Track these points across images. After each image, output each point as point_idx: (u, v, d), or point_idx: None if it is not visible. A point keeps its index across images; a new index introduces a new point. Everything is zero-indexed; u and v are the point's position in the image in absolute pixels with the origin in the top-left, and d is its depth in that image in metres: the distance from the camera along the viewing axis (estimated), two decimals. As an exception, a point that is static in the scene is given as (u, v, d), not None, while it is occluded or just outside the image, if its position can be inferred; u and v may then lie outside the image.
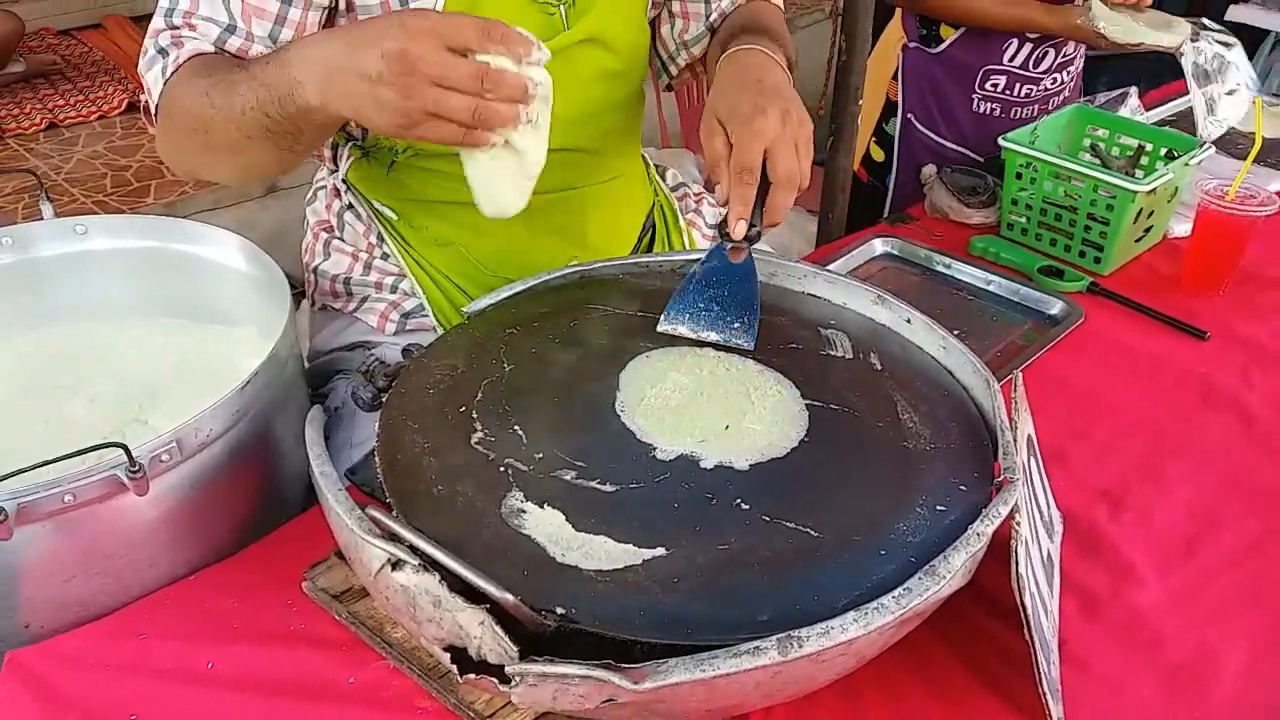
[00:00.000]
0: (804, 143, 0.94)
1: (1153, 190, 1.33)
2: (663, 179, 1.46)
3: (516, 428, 0.82)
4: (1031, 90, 1.80)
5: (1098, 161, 1.47)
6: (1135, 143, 1.48)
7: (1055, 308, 1.30)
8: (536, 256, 1.23)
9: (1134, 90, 1.68)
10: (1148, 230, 1.41)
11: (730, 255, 0.97)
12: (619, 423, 0.83)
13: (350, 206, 1.27)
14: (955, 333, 1.24)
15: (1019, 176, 1.42)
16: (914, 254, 1.42)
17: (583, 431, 0.82)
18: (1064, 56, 1.78)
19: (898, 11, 1.87)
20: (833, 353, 0.94)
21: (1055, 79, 1.81)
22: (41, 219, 1.18)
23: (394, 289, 1.25)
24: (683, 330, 0.96)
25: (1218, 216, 1.30)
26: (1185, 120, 1.87)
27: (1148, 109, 1.78)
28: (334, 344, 1.27)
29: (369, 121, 0.82)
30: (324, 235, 1.30)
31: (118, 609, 0.85)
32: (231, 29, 1.00)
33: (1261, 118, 1.37)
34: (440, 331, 1.22)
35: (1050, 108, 1.82)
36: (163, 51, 0.97)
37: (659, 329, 0.96)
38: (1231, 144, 1.69)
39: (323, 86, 0.82)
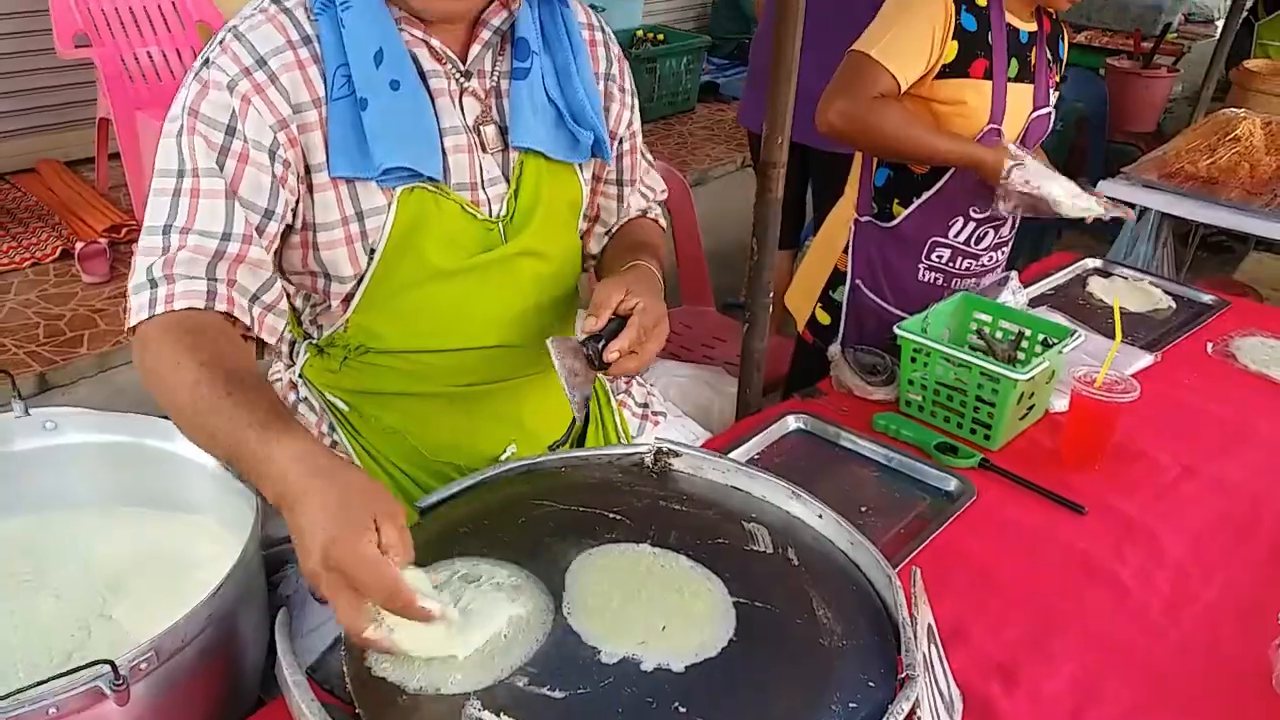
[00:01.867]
0: (657, 338, 1.22)
1: (1031, 377, 1.49)
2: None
3: (474, 632, 0.91)
4: (971, 265, 1.99)
5: (984, 344, 1.64)
6: (1016, 327, 1.66)
7: (951, 484, 1.44)
8: (477, 442, 1.34)
9: (1014, 274, 1.88)
10: (1030, 409, 1.58)
11: None
12: (567, 625, 0.92)
13: (304, 399, 1.36)
14: (863, 509, 1.37)
15: (914, 360, 1.58)
16: (824, 430, 1.56)
17: (533, 635, 0.91)
18: (999, 238, 1.99)
19: (847, 192, 2.05)
20: (755, 547, 1.06)
21: (990, 257, 2.00)
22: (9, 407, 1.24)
23: None
24: None
25: (1089, 401, 1.47)
26: (1060, 294, 2.09)
27: (1026, 285, 1.98)
28: (284, 531, 1.34)
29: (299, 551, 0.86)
30: None
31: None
32: (228, 237, 1.08)
33: (1120, 317, 1.56)
34: None
35: (983, 280, 2.02)
36: (153, 282, 1.04)
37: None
38: (1103, 322, 1.89)
39: (281, 500, 0.88)
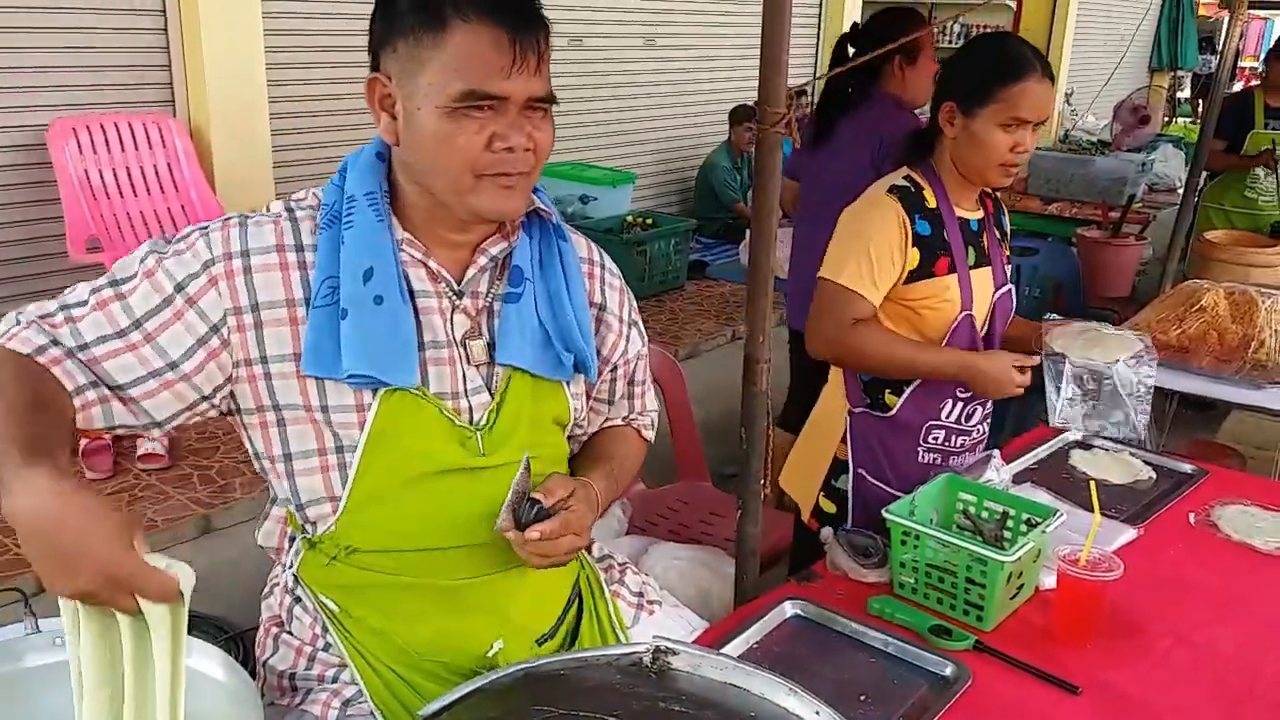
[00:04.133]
0: (582, 533, 1.30)
1: (1018, 558, 1.54)
2: (588, 551, 1.62)
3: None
4: (964, 440, 2.07)
5: (970, 525, 1.69)
6: (1000, 507, 1.71)
7: (947, 669, 1.46)
8: (464, 640, 1.36)
9: (996, 452, 1.94)
10: (1020, 588, 1.61)
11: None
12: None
13: (299, 600, 1.39)
14: (862, 698, 1.38)
15: (904, 543, 1.62)
16: (820, 616, 1.59)
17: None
18: (986, 409, 2.08)
19: (834, 382, 2.13)
20: (754, 748, 1.08)
21: (980, 429, 2.09)
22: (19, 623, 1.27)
23: (335, 679, 1.36)
24: None
25: (1075, 580, 1.51)
26: (1044, 468, 2.15)
27: (1008, 461, 2.04)
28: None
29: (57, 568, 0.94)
30: (274, 630, 1.42)
31: None
32: (102, 342, 1.19)
33: (1097, 496, 1.61)
34: (378, 715, 1.33)
35: (976, 451, 2.09)
36: (16, 321, 1.18)
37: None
38: (1087, 496, 1.93)
39: (13, 514, 0.95)
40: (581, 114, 6.61)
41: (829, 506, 2.14)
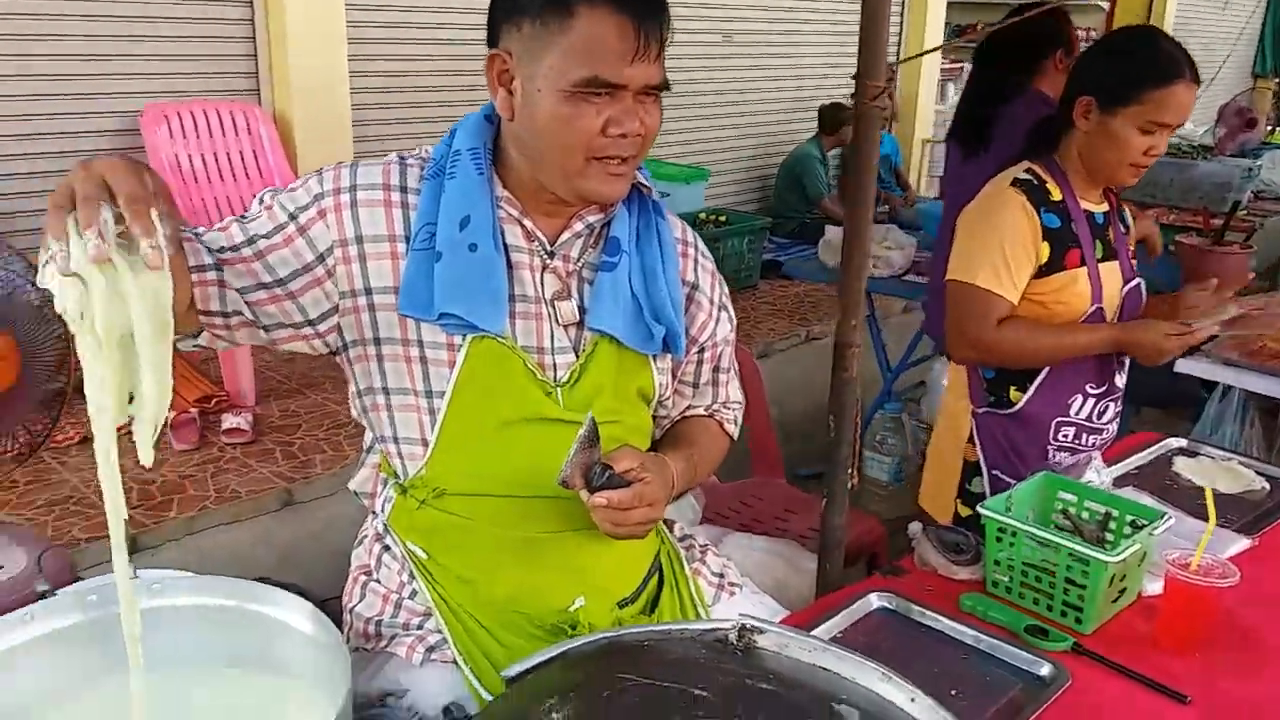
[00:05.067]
0: (651, 515, 1.27)
1: (1123, 559, 1.46)
2: (670, 529, 1.60)
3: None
4: (1096, 439, 2.00)
5: (1070, 525, 1.61)
6: (1103, 508, 1.63)
7: (1044, 669, 1.39)
8: (546, 593, 1.37)
9: (1097, 454, 1.86)
10: (1122, 592, 1.54)
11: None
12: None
13: (388, 548, 1.42)
14: (953, 693, 1.33)
15: (999, 540, 1.56)
16: (909, 610, 1.53)
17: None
18: (1118, 407, 2.02)
19: (954, 382, 2.08)
20: (845, 729, 1.03)
21: (1111, 429, 2.03)
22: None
23: (419, 626, 1.37)
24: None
25: (1185, 586, 1.43)
26: (1145, 474, 2.05)
27: (1109, 464, 1.95)
28: (365, 690, 1.35)
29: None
30: (362, 578, 1.44)
31: None
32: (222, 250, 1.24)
33: (1213, 501, 1.53)
34: (461, 663, 1.34)
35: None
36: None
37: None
38: (1192, 503, 1.85)
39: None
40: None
41: (966, 512, 2.07)
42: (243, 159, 4.50)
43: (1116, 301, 1.95)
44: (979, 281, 1.84)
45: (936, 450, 2.17)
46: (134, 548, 2.97)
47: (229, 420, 3.69)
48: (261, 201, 1.29)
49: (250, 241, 1.24)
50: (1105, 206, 1.96)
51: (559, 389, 1.32)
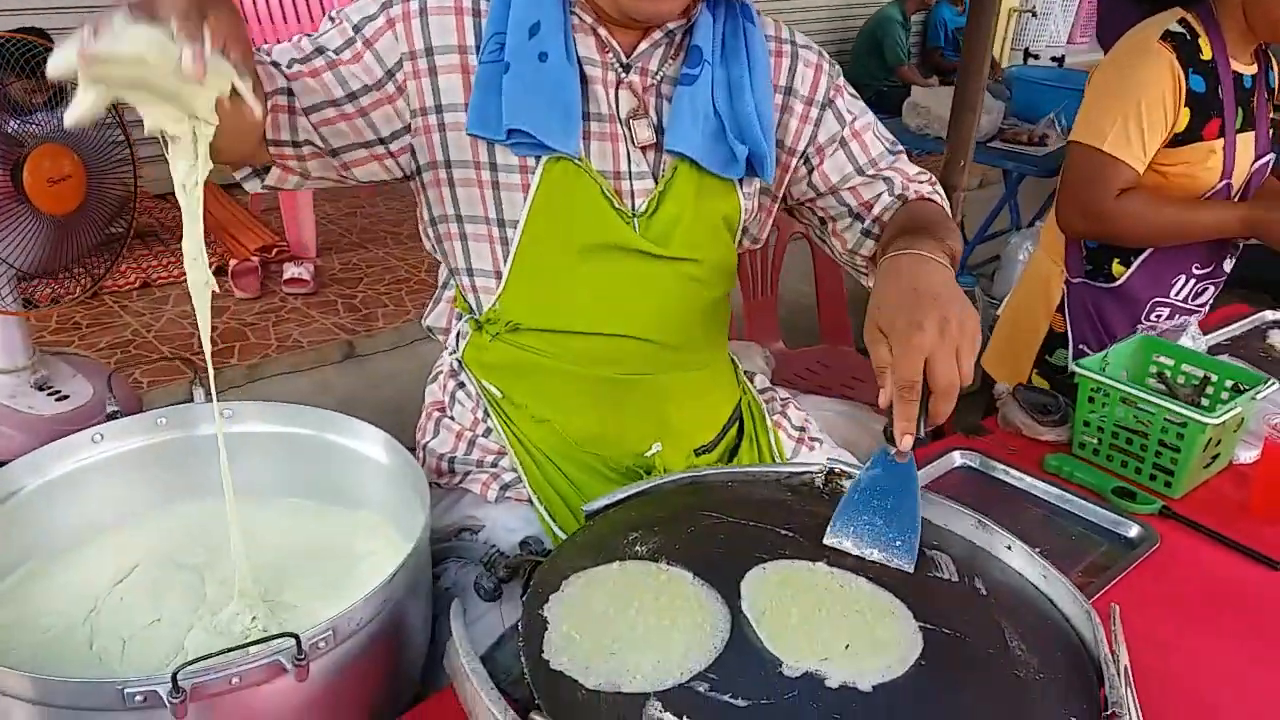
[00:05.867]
0: (965, 345, 0.98)
1: (1223, 421, 1.40)
2: (751, 381, 1.56)
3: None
4: (1188, 321, 1.90)
5: (1164, 388, 1.55)
6: (1200, 372, 1.56)
7: (1132, 530, 1.35)
8: (622, 435, 1.33)
9: (1193, 320, 1.78)
10: (1215, 458, 1.48)
11: (897, 458, 1.03)
12: (745, 635, 0.89)
13: (462, 385, 1.39)
14: (1038, 550, 1.30)
15: (1091, 400, 1.50)
16: (992, 468, 1.49)
17: (712, 641, 0.88)
18: (1217, 288, 1.90)
19: (1046, 247, 1.96)
20: (939, 575, 1.00)
21: (1203, 311, 1.91)
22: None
23: (494, 465, 1.35)
24: (847, 545, 1.02)
25: (1285, 451, 1.37)
26: (1239, 344, 1.97)
27: (1205, 333, 1.87)
28: (441, 524, 1.35)
29: None
30: (436, 414, 1.42)
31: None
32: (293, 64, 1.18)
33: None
34: (536, 501, 1.31)
35: None
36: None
37: (825, 541, 1.02)
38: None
39: None
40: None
41: (1043, 384, 2.00)
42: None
43: (1245, 177, 1.81)
44: (1105, 146, 1.70)
45: (1015, 313, 2.08)
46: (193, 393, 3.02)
47: (290, 270, 3.69)
48: (332, 19, 1.22)
49: (320, 51, 1.18)
50: (1254, 68, 1.79)
51: (636, 220, 1.24)
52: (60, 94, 1.93)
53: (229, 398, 3.30)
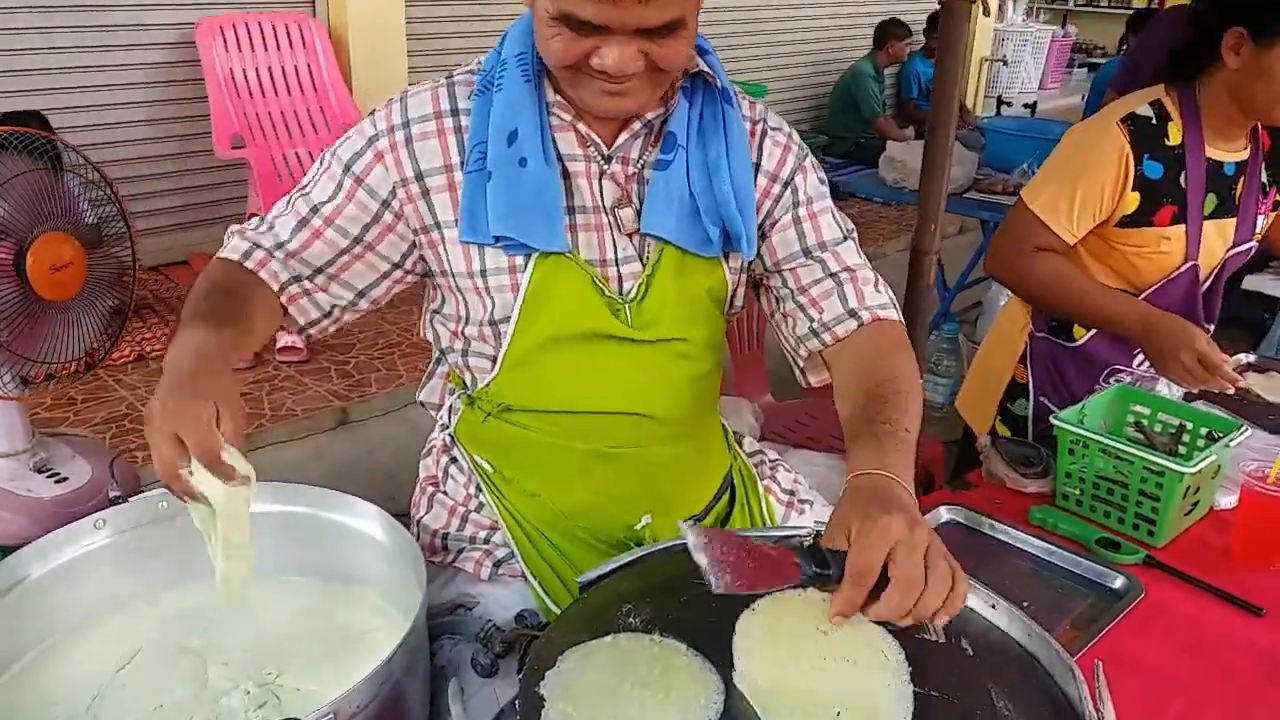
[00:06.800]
0: (933, 549, 0.95)
1: (1199, 470, 1.43)
2: (740, 445, 1.59)
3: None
4: (1150, 387, 1.91)
5: (1142, 437, 1.58)
6: (1176, 420, 1.60)
7: (1117, 581, 1.38)
8: (612, 509, 1.35)
9: (1165, 371, 1.81)
10: (1195, 505, 1.51)
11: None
12: (740, 709, 0.91)
13: (455, 460, 1.42)
14: (1025, 605, 1.32)
15: (1071, 452, 1.53)
16: (978, 522, 1.52)
17: (706, 715, 0.90)
18: None
19: (1015, 298, 1.99)
20: (925, 636, 1.03)
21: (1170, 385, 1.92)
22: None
23: (487, 540, 1.37)
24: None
25: (1262, 498, 1.40)
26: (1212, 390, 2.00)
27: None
28: (435, 600, 1.36)
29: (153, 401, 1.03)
30: (430, 489, 1.44)
31: None
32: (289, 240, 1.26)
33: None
34: (529, 576, 1.33)
35: None
36: (228, 237, 1.28)
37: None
38: (1264, 418, 1.81)
39: (167, 363, 1.05)
40: (710, 25, 6.45)
41: (1005, 431, 2.03)
42: (297, 72, 4.48)
43: (1217, 261, 1.80)
44: (1035, 207, 1.74)
45: (985, 360, 2.11)
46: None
47: (284, 339, 3.72)
48: (321, 163, 1.28)
49: (315, 210, 1.25)
50: (1243, 154, 1.77)
51: (627, 305, 1.27)
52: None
53: (223, 469, 3.26)
